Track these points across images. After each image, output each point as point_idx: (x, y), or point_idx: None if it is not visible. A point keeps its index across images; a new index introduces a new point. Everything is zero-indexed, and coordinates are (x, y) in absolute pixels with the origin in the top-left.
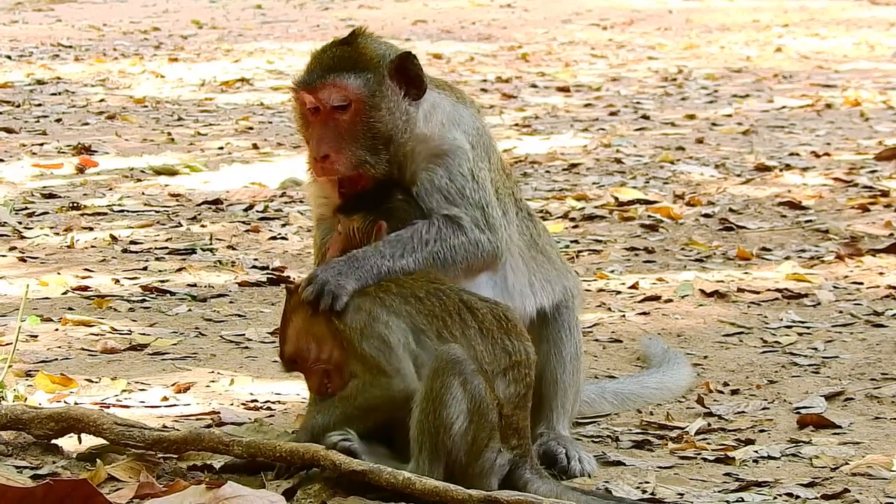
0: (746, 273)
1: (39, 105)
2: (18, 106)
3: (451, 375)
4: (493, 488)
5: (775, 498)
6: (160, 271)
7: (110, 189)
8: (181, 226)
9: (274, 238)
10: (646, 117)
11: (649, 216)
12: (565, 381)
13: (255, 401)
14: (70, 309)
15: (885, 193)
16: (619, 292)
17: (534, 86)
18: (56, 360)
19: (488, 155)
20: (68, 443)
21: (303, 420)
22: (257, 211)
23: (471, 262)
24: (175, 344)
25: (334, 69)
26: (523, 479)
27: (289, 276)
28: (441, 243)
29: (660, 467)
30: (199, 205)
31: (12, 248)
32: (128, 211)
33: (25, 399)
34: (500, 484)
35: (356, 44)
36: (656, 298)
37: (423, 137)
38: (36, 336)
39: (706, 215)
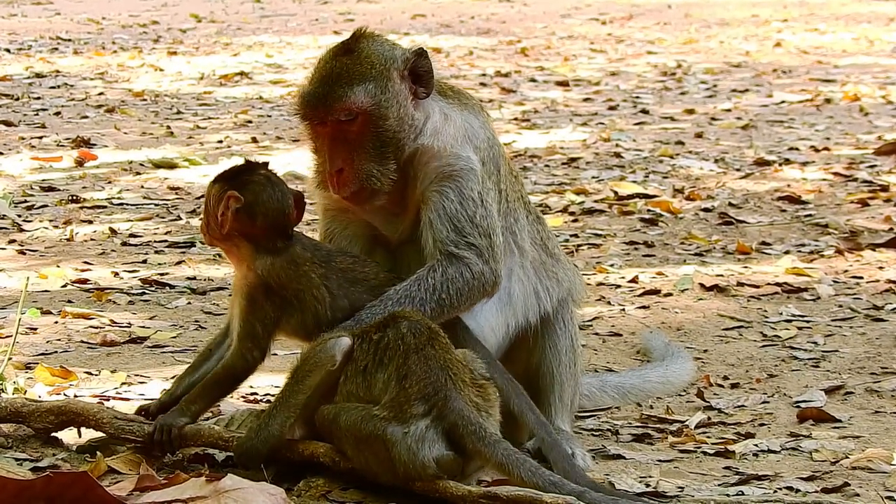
0: (746, 267)
1: (38, 98)
2: (17, 99)
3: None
4: (428, 460)
5: (775, 491)
6: (159, 264)
7: (109, 182)
8: (180, 219)
9: None
10: (645, 112)
11: (649, 210)
12: (562, 374)
13: (255, 394)
14: (69, 302)
15: (884, 188)
16: (618, 286)
17: (533, 80)
18: (56, 352)
19: (498, 166)
20: (68, 435)
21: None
22: None
23: (474, 299)
24: (174, 337)
25: (337, 83)
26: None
27: None
28: (448, 285)
29: (660, 461)
30: (198, 198)
31: (12, 241)
32: (127, 204)
33: (25, 392)
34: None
35: (358, 51)
36: (656, 292)
37: (434, 153)
38: (35, 329)
39: (706, 209)
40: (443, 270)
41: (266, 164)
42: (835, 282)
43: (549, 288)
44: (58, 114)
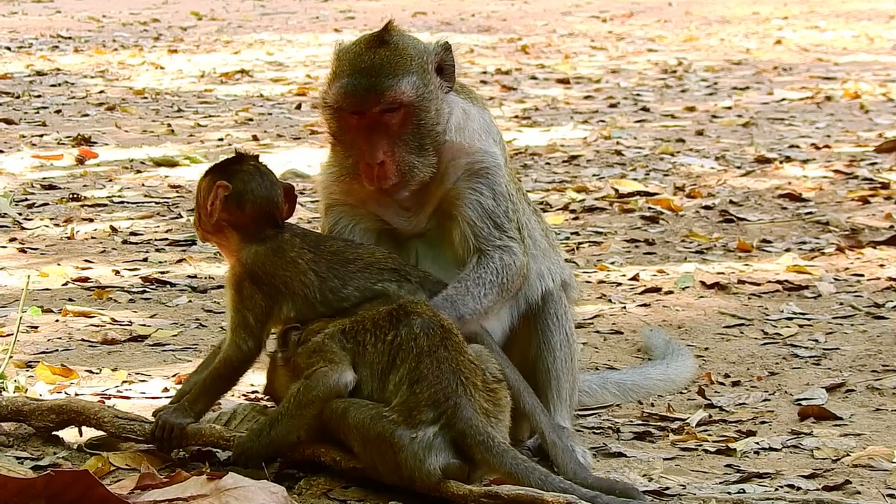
0: (747, 265)
1: (39, 96)
2: (18, 97)
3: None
4: (434, 467)
5: (777, 489)
6: (160, 262)
7: (110, 180)
8: (181, 217)
9: None
10: (646, 109)
11: (650, 208)
12: (557, 369)
13: (256, 391)
14: (70, 300)
15: (885, 185)
16: (619, 284)
17: (533, 78)
18: (56, 351)
19: (507, 160)
20: (69, 433)
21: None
22: None
23: (515, 289)
24: (175, 335)
25: (382, 74)
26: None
27: None
28: (507, 270)
29: (661, 458)
30: None
31: (12, 240)
32: (128, 202)
33: (26, 390)
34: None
35: (394, 43)
36: (657, 290)
37: (463, 148)
38: (36, 327)
39: (706, 207)
40: (499, 257)
41: (256, 156)
42: (836, 279)
43: (550, 269)
44: (58, 112)
